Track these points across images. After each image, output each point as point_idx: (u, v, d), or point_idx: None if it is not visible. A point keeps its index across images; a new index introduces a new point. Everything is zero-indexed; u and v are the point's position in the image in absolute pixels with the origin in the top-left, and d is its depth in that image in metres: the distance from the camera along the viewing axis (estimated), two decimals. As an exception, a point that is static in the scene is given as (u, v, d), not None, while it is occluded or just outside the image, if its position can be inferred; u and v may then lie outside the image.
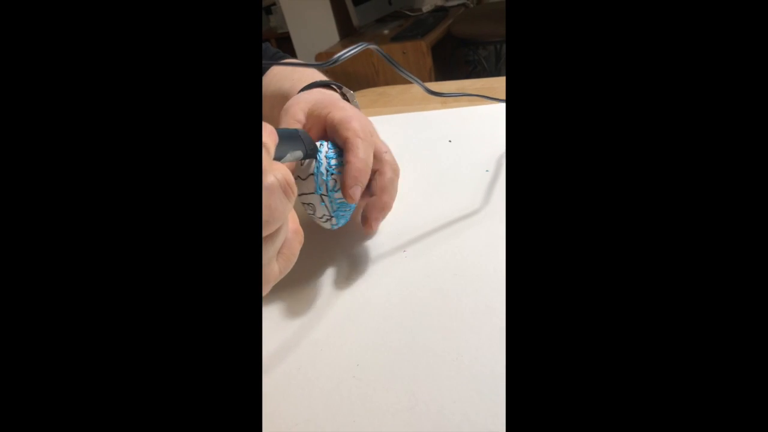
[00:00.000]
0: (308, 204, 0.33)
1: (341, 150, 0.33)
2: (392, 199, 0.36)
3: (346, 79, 1.92)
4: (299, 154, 0.29)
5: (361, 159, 0.32)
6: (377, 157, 0.35)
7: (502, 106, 0.56)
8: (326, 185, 0.32)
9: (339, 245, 0.38)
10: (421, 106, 0.63)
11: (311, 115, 0.36)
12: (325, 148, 0.33)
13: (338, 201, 0.33)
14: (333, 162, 0.32)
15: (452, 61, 2.27)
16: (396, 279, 0.33)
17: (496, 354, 0.26)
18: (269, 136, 0.23)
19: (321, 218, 0.33)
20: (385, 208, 0.36)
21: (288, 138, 0.28)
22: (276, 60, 0.59)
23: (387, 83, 1.89)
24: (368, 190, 0.35)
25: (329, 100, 0.37)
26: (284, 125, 0.36)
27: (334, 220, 0.33)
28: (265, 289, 0.25)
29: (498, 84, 0.64)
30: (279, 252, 0.25)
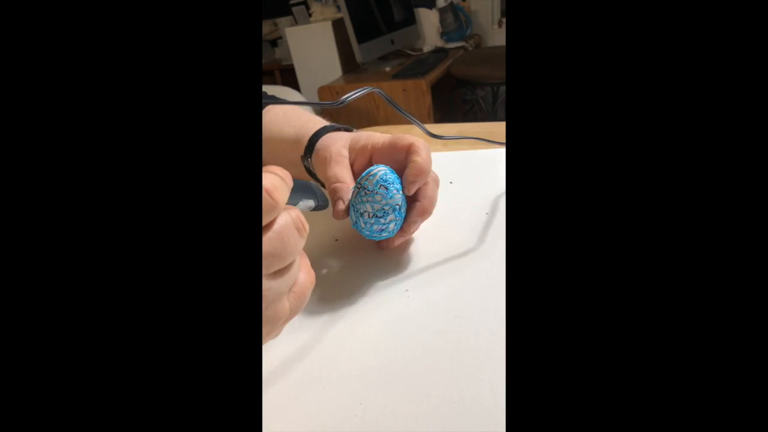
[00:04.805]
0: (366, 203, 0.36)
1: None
2: (432, 206, 0.40)
3: (347, 113, 1.97)
4: (311, 203, 0.32)
5: (424, 159, 0.37)
6: None
7: (502, 150, 0.58)
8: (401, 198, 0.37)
9: (343, 281, 0.39)
10: (423, 147, 0.65)
11: (353, 149, 0.41)
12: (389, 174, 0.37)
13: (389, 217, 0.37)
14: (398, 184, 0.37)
15: (451, 100, 2.33)
16: (398, 317, 0.34)
17: (497, 397, 0.27)
18: (286, 179, 0.24)
19: (364, 214, 0.37)
20: (425, 213, 0.40)
21: (301, 188, 0.31)
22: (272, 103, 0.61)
23: (387, 119, 1.94)
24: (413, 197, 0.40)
25: (360, 134, 0.41)
26: (333, 163, 0.39)
27: (372, 227, 0.37)
28: (277, 329, 0.26)
29: (497, 128, 0.67)
30: (291, 290, 0.26)
